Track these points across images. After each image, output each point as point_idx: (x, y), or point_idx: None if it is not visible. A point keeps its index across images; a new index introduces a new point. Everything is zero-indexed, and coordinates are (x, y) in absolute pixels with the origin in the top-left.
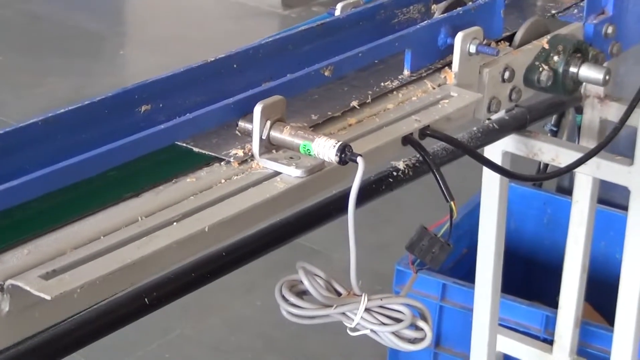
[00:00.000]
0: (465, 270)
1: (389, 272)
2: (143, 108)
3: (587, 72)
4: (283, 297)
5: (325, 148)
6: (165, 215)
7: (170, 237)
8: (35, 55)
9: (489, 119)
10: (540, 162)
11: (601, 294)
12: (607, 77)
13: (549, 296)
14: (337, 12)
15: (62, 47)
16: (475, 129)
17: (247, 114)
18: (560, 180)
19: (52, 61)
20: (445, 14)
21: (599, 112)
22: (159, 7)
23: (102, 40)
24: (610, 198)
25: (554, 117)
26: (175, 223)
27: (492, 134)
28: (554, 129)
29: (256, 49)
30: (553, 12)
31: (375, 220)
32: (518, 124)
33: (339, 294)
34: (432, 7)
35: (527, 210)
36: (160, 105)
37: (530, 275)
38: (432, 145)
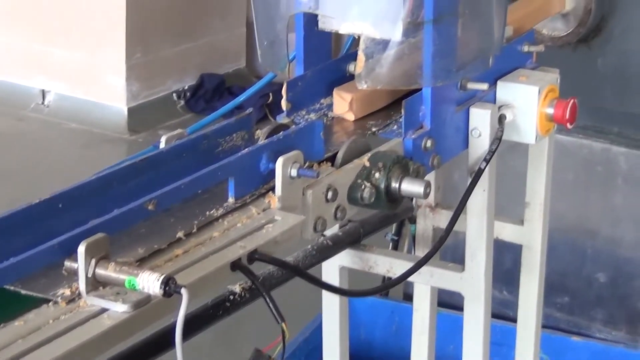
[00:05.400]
0: None
1: None
2: None
3: (407, 186)
4: None
5: (149, 282)
6: None
7: None
8: None
9: (323, 235)
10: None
11: None
12: (427, 190)
13: None
14: (162, 145)
15: None
16: (309, 246)
17: (72, 253)
18: (406, 288)
19: None
20: (266, 140)
21: (432, 220)
22: (5, 139)
23: None
24: (456, 302)
25: (394, 227)
26: None
27: (327, 251)
28: (395, 238)
29: (80, 188)
30: (373, 129)
31: (235, 339)
32: (352, 239)
33: None
34: (256, 132)
35: (375, 320)
36: None
37: None
38: (268, 267)
